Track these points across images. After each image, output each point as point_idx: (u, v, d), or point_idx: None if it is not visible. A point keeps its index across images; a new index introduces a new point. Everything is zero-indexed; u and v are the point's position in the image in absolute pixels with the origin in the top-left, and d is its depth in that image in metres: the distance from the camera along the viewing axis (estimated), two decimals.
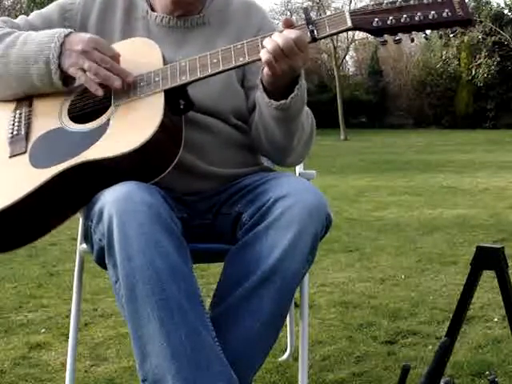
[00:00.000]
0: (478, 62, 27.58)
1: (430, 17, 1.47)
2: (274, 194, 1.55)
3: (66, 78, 1.62)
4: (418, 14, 1.47)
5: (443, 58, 29.37)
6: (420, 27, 1.48)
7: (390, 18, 1.48)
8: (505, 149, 16.59)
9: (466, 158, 13.69)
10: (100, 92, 1.56)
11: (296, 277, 1.53)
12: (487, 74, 27.26)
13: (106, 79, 1.56)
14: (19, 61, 1.62)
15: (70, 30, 1.64)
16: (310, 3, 30.79)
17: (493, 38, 27.87)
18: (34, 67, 1.61)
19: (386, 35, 1.50)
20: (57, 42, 1.59)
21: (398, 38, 1.50)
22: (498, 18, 29.40)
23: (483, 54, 27.41)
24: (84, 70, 1.57)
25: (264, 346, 1.55)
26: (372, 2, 1.51)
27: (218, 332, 1.45)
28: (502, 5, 31.26)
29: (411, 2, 1.48)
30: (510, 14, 30.61)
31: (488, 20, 27.92)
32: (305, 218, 1.50)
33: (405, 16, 1.47)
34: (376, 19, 1.48)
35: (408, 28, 1.48)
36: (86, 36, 1.61)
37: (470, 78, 28.89)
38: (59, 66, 1.59)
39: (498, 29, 27.84)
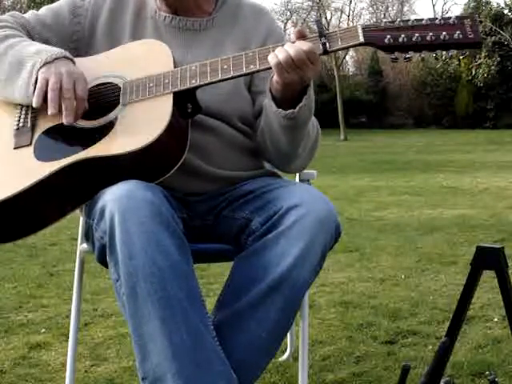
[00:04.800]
0: (478, 62, 27.60)
1: (442, 37, 1.47)
2: (285, 203, 1.55)
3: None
4: (430, 34, 1.47)
5: (443, 57, 29.36)
6: (431, 47, 1.48)
7: (402, 36, 1.48)
8: (505, 149, 16.60)
9: (466, 158, 13.70)
10: (35, 104, 1.55)
11: (304, 287, 1.53)
12: (487, 74, 27.28)
13: (51, 102, 1.54)
14: (13, 62, 1.62)
15: (73, 58, 1.64)
16: (310, 3, 30.80)
17: (493, 38, 27.90)
18: (22, 70, 1.60)
19: (396, 52, 1.50)
20: (53, 55, 1.59)
21: (408, 55, 1.50)
22: (498, 18, 29.41)
23: (483, 54, 27.42)
24: (47, 84, 1.56)
25: (268, 353, 1.55)
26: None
27: (222, 337, 1.45)
28: (502, 5, 31.28)
29: (423, 22, 1.49)
30: (510, 13, 30.62)
31: (488, 20, 27.94)
32: (316, 228, 1.50)
33: (416, 35, 1.47)
34: (388, 36, 1.48)
35: (419, 47, 1.48)
36: (75, 67, 1.61)
37: (470, 77, 28.90)
38: (37, 72, 1.58)
39: (497, 29, 27.85)
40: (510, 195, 7.28)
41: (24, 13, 1.83)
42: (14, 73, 1.62)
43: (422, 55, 1.51)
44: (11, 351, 2.45)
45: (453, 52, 1.50)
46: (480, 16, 27.62)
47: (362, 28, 1.51)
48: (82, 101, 1.57)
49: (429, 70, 33.06)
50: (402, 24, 1.49)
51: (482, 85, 27.84)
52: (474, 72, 27.67)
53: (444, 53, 1.50)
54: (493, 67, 27.39)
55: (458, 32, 1.47)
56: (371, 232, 5.09)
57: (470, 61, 29.30)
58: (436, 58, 1.52)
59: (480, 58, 27.59)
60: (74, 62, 1.63)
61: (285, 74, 1.50)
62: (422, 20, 1.50)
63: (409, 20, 1.50)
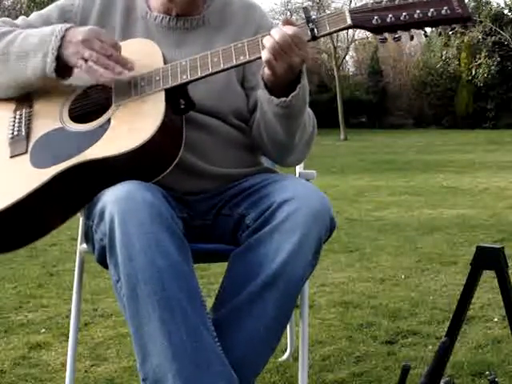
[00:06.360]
0: (478, 62, 27.58)
1: (429, 14, 1.47)
2: (278, 198, 1.55)
3: (63, 71, 1.61)
4: (417, 11, 1.47)
5: (443, 58, 29.37)
6: (419, 25, 1.48)
7: (390, 15, 1.48)
8: (505, 149, 16.59)
9: (466, 158, 13.69)
10: (103, 78, 1.55)
11: (300, 281, 1.53)
12: (487, 74, 27.26)
13: (106, 66, 1.55)
14: (20, 55, 1.62)
15: (71, 24, 1.64)
16: (310, 3, 30.79)
17: (493, 38, 27.89)
18: (32, 60, 1.60)
19: (385, 33, 1.50)
20: (57, 35, 1.59)
21: (397, 35, 1.50)
22: (498, 18, 29.39)
23: (483, 54, 27.40)
24: (85, 60, 1.56)
25: (266, 349, 1.55)
26: (371, 1, 1.51)
27: (220, 335, 1.45)
28: (502, 5, 31.28)
29: (410, 0, 1.49)
30: (510, 13, 30.61)
31: (488, 20, 27.93)
32: (309, 222, 1.50)
33: (404, 14, 1.48)
34: (375, 17, 1.49)
35: (407, 25, 1.49)
36: (86, 27, 1.62)
37: (469, 78, 28.89)
38: (58, 57, 1.58)
39: (497, 29, 27.84)
40: (510, 195, 7.28)
41: (24, 13, 1.83)
42: (22, 66, 1.62)
43: (412, 34, 1.50)
44: (11, 351, 2.45)
45: (442, 29, 1.50)
46: (480, 16, 27.64)
47: (350, 11, 1.51)
48: (117, 45, 1.59)
49: (429, 69, 33.05)
50: (389, 3, 1.49)
51: (481, 85, 27.81)
52: (474, 72, 27.64)
53: (434, 31, 1.51)
54: (493, 67, 27.35)
55: (445, 7, 1.47)
56: (371, 232, 5.09)
57: (469, 61, 29.30)
58: (425, 36, 1.52)
59: (480, 58, 27.57)
60: (72, 26, 1.62)
61: (274, 64, 1.50)
62: None
63: None
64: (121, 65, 1.56)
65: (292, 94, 1.56)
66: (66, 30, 1.60)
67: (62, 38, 1.59)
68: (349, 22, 1.50)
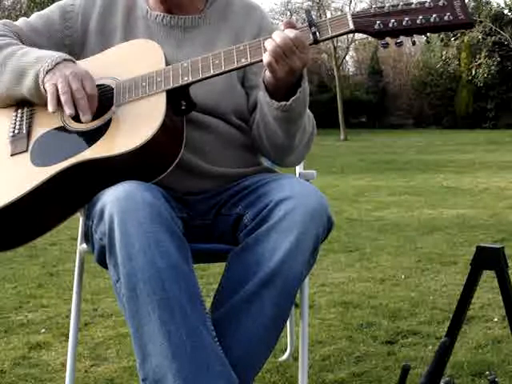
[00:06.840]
0: (478, 62, 27.56)
1: (432, 20, 1.47)
2: (275, 197, 1.55)
3: None
4: (420, 17, 1.47)
5: (443, 58, 29.36)
6: (421, 30, 1.48)
7: (392, 21, 1.48)
8: (505, 149, 16.58)
9: (466, 157, 13.69)
10: (51, 109, 1.54)
11: (297, 279, 1.53)
12: (487, 74, 27.24)
13: (65, 104, 1.54)
14: (14, 71, 1.63)
15: (72, 58, 1.64)
16: (310, 3, 30.80)
17: (493, 38, 27.87)
18: (25, 79, 1.62)
19: (387, 38, 1.50)
20: (53, 61, 1.59)
21: (399, 40, 1.50)
22: (498, 17, 29.38)
23: (483, 54, 27.38)
24: (57, 89, 1.56)
25: (265, 347, 1.55)
26: (373, 3, 1.52)
27: (219, 334, 1.45)
28: (502, 5, 31.26)
29: (413, 6, 1.49)
30: (510, 13, 30.60)
31: (488, 20, 27.91)
32: (307, 220, 1.50)
33: (406, 19, 1.48)
34: (378, 22, 1.49)
35: (410, 31, 1.49)
36: (80, 68, 1.61)
37: (469, 78, 28.88)
38: (43, 80, 1.59)
39: (497, 29, 27.83)
40: (510, 195, 7.28)
41: (24, 13, 1.84)
42: (16, 82, 1.63)
43: (414, 39, 1.51)
44: (11, 351, 2.45)
45: (444, 34, 1.51)
46: (480, 16, 27.62)
47: (352, 15, 1.51)
48: (94, 97, 1.58)
49: (429, 69, 33.05)
50: (391, 9, 1.49)
51: (481, 85, 27.79)
52: (474, 72, 27.61)
53: (436, 35, 1.51)
54: (493, 67, 27.32)
55: (448, 14, 1.47)
56: (371, 232, 5.09)
57: (469, 61, 29.29)
58: (427, 41, 1.53)
59: (480, 58, 27.56)
60: (74, 62, 1.64)
61: (275, 67, 1.50)
62: (411, 4, 1.49)
63: (398, 4, 1.50)
64: (81, 112, 1.54)
65: (292, 98, 1.56)
66: (65, 59, 1.61)
67: (57, 64, 1.59)
68: (351, 26, 1.50)
